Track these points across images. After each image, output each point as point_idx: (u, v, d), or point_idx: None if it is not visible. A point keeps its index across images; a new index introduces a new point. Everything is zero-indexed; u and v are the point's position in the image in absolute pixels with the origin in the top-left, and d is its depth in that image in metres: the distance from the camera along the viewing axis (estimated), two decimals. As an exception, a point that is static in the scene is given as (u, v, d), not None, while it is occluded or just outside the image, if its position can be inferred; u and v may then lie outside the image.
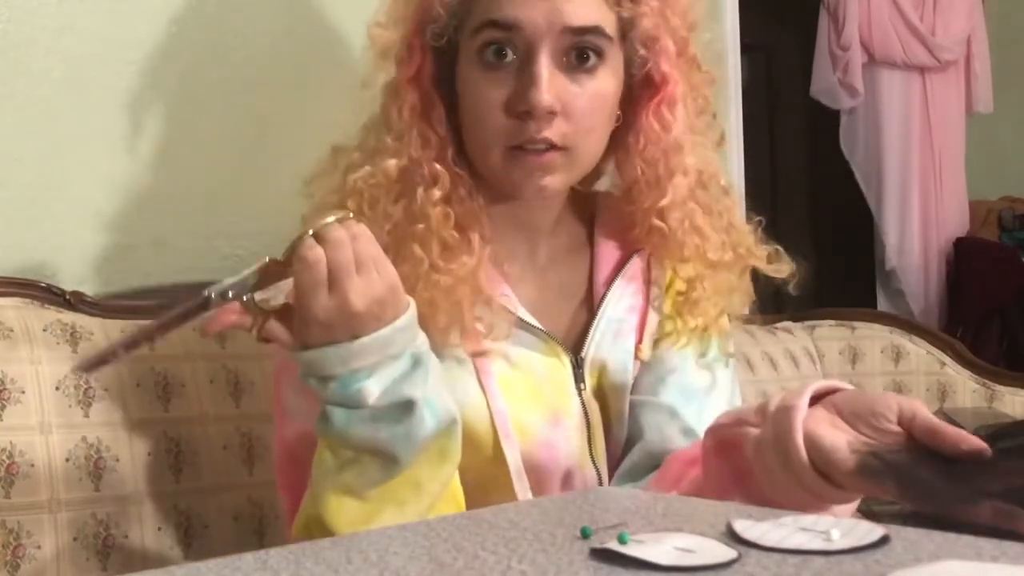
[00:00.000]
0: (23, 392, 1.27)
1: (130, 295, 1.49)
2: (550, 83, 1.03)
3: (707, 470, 1.01)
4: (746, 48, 2.59)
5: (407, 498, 0.95)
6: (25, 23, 1.44)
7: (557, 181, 1.08)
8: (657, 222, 1.13)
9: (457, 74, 1.09)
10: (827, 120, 3.95)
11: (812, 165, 4.73)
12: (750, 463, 0.94)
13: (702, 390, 1.16)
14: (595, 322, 1.13)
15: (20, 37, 1.43)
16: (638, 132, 1.12)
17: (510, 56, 1.04)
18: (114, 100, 1.51)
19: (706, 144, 1.16)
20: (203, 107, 1.58)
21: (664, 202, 1.11)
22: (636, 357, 1.15)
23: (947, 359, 2.41)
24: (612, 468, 1.13)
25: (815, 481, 0.88)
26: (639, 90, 1.12)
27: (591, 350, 1.12)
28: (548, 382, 1.10)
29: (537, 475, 1.07)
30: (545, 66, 1.03)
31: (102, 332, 1.36)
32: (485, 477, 1.05)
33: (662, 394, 1.14)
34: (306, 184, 1.15)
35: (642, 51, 1.10)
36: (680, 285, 1.17)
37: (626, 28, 1.09)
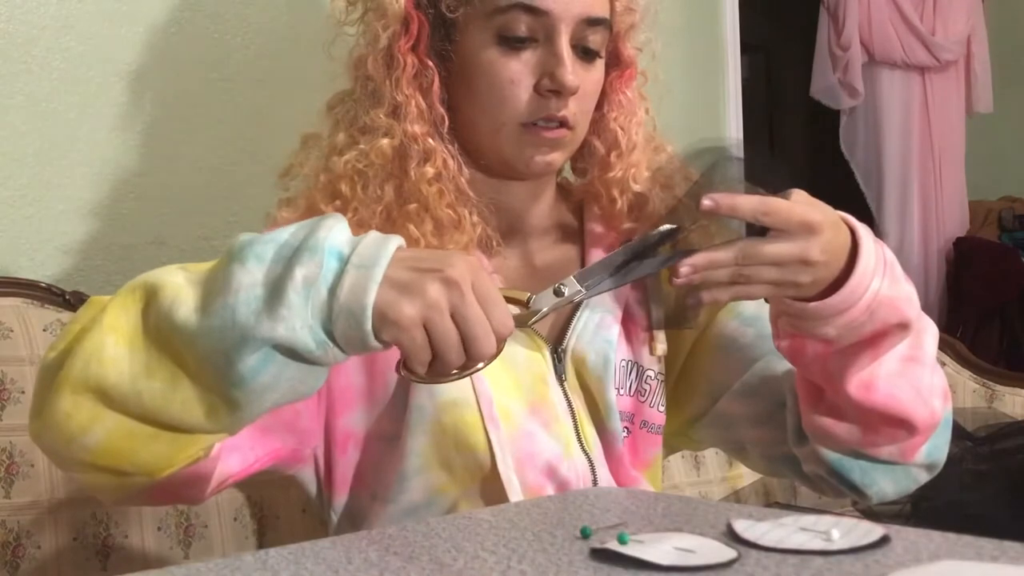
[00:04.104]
0: (23, 392, 1.27)
1: (130, 295, 1.49)
2: (572, 65, 1.09)
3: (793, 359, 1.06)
4: (746, 48, 2.59)
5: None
6: (25, 22, 1.44)
7: (560, 158, 1.13)
8: (635, 186, 1.17)
9: (457, 50, 1.11)
10: (827, 120, 3.95)
11: (812, 165, 4.73)
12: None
13: (750, 317, 1.18)
14: (578, 313, 1.14)
15: (20, 36, 1.44)
16: (611, 104, 1.19)
17: (532, 38, 1.09)
18: (113, 100, 1.51)
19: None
20: (203, 107, 1.58)
21: (634, 168, 1.17)
22: (652, 353, 1.16)
23: (947, 359, 2.40)
24: (609, 458, 1.13)
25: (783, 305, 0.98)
26: (608, 68, 1.18)
27: (572, 342, 1.13)
28: (527, 373, 1.10)
29: (519, 463, 1.07)
30: (567, 49, 1.09)
31: (102, 332, 1.36)
32: (472, 464, 1.06)
33: (742, 363, 1.16)
34: (280, 176, 1.15)
35: (618, 34, 1.17)
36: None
37: (612, 17, 1.15)
